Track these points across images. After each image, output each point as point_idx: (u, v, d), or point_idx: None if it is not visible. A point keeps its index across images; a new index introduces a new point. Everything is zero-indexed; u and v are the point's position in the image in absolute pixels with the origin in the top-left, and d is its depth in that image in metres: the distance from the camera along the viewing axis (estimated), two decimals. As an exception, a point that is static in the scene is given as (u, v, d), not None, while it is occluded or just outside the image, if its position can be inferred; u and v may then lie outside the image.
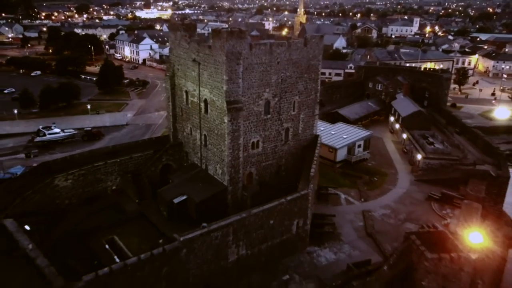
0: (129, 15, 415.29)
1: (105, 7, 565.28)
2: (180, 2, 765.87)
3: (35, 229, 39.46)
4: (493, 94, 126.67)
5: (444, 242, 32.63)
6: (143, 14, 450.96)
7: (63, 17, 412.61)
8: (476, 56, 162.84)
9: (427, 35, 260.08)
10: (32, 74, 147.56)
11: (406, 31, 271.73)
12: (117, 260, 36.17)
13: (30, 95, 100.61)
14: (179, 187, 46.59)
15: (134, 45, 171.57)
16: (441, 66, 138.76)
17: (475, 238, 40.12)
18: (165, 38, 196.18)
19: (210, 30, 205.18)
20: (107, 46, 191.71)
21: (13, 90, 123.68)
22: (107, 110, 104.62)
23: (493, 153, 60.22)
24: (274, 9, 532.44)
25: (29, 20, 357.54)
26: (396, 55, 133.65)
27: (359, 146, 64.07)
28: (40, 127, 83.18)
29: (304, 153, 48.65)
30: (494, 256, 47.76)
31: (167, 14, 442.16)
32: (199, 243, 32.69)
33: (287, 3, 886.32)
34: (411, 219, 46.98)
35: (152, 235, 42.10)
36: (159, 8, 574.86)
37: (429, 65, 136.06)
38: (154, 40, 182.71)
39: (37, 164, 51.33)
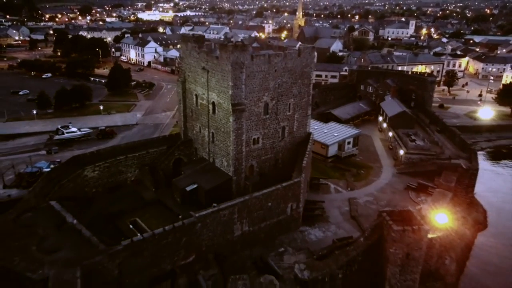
0: (132, 17, 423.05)
1: (107, 8, 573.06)
2: (181, 3, 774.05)
3: (71, 211, 47.09)
4: (480, 95, 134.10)
5: (409, 219, 40.08)
6: (145, 16, 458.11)
7: (66, 19, 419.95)
8: (466, 58, 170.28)
9: (422, 37, 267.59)
10: (44, 76, 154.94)
11: (402, 33, 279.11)
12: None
13: (47, 97, 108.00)
14: (190, 177, 54.14)
15: (140, 48, 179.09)
16: (432, 68, 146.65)
17: (441, 218, 47.74)
18: (169, 41, 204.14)
19: (212, 32, 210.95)
20: (113, 49, 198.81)
21: (28, 92, 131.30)
22: (118, 111, 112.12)
23: (467, 149, 67.77)
24: (274, 10, 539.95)
25: (34, 23, 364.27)
26: (389, 58, 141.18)
27: (349, 143, 71.64)
28: (59, 126, 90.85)
29: (298, 148, 56.17)
30: (462, 237, 55.78)
31: (168, 16, 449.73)
32: (211, 219, 40.31)
33: (287, 3, 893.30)
34: (390, 205, 54.40)
35: (168, 217, 49.53)
36: (160, 9, 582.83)
37: (420, 68, 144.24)
38: (158, 43, 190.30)
39: (67, 158, 58.68)
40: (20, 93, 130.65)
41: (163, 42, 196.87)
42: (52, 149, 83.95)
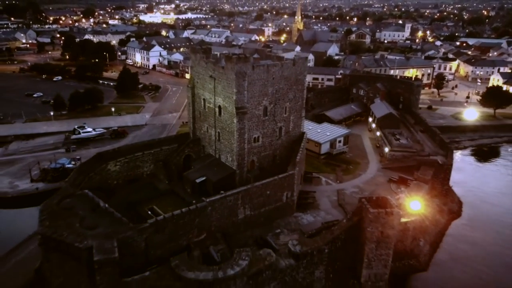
0: (134, 20, 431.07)
1: (109, 10, 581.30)
2: (181, 5, 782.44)
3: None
4: (467, 97, 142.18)
5: (384, 204, 48.16)
6: (147, 18, 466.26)
7: (70, 22, 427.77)
8: (457, 62, 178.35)
9: (417, 40, 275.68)
10: (54, 79, 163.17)
11: (398, 36, 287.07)
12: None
13: (62, 99, 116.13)
14: (199, 171, 62.28)
15: (145, 52, 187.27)
16: (423, 71, 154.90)
17: (414, 205, 55.96)
18: (172, 45, 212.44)
19: (213, 35, 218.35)
20: (119, 53, 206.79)
21: (41, 94, 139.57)
22: (127, 112, 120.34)
23: (444, 147, 75.88)
24: (274, 12, 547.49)
25: (39, 25, 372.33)
26: (382, 62, 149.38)
27: (340, 141, 79.82)
28: (76, 126, 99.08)
29: (293, 146, 64.26)
30: (437, 223, 64.04)
31: (170, 18, 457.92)
32: (219, 204, 48.46)
33: (287, 5, 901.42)
34: (372, 195, 62.39)
35: (181, 205, 57.20)
36: (162, 11, 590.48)
37: (412, 71, 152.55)
38: (162, 46, 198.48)
39: (93, 155, 66.85)
40: (34, 95, 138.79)
41: (167, 45, 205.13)
42: (70, 147, 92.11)
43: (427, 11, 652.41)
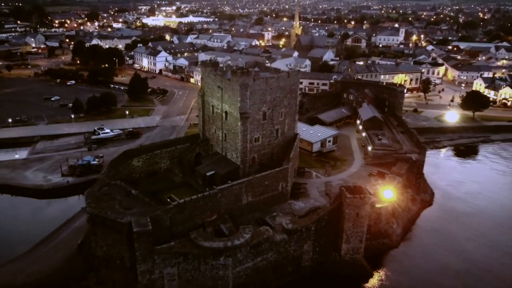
0: (138, 23, 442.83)
1: (112, 13, 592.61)
2: (182, 7, 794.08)
3: (126, 189, 66.97)
4: (451, 100, 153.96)
5: (359, 191, 59.92)
6: (149, 21, 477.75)
7: (75, 25, 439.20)
8: (444, 67, 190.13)
9: (410, 44, 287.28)
10: (68, 83, 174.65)
11: (393, 40, 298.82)
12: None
13: (80, 103, 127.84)
14: (209, 166, 74.01)
15: (152, 57, 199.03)
16: (411, 76, 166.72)
17: (387, 194, 67.69)
18: (177, 50, 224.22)
19: (215, 40, 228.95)
20: (126, 57, 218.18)
21: (58, 98, 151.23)
22: (139, 115, 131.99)
23: (419, 146, 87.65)
24: (274, 15, 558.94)
25: (45, 29, 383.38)
26: (373, 68, 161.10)
27: (329, 141, 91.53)
28: (96, 128, 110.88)
29: (288, 145, 75.89)
30: (409, 210, 75.91)
31: (172, 21, 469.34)
32: (227, 191, 60.25)
33: (286, 7, 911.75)
34: (351, 185, 74.07)
35: (193, 194, 68.97)
36: (164, 13, 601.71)
37: (401, 76, 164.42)
38: (168, 51, 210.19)
39: (120, 152, 78.67)
40: (52, 99, 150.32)
41: (172, 50, 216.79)
42: (91, 146, 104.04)
43: (424, 13, 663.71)
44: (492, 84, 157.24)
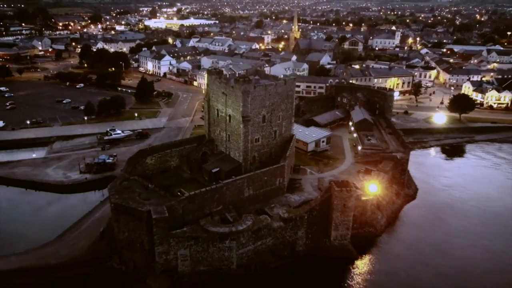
0: (140, 26, 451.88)
1: (114, 15, 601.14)
2: (183, 8, 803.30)
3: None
4: (441, 103, 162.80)
5: (346, 185, 68.82)
6: (151, 23, 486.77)
7: (79, 27, 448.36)
8: (435, 70, 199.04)
9: (406, 47, 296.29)
10: (77, 86, 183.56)
11: (389, 43, 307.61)
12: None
13: (92, 106, 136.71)
14: (214, 163, 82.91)
15: (156, 61, 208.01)
16: (403, 80, 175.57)
17: (372, 188, 76.57)
18: (180, 53, 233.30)
19: (217, 44, 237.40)
20: (132, 61, 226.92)
21: (70, 100, 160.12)
22: (147, 116, 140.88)
23: (404, 146, 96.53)
24: (273, 17, 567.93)
25: (50, 32, 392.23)
26: (367, 72, 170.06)
27: (323, 141, 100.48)
28: (108, 129, 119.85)
29: (285, 145, 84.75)
30: (393, 203, 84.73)
31: (174, 23, 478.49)
32: (231, 185, 69.21)
33: (286, 8, 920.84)
34: (339, 179, 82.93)
35: (201, 188, 78.20)
36: (165, 15, 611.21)
37: (393, 79, 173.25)
38: (171, 55, 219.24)
39: (136, 151, 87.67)
40: (64, 101, 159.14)
41: (175, 54, 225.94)
42: (105, 146, 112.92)
43: (422, 15, 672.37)
44: (479, 87, 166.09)
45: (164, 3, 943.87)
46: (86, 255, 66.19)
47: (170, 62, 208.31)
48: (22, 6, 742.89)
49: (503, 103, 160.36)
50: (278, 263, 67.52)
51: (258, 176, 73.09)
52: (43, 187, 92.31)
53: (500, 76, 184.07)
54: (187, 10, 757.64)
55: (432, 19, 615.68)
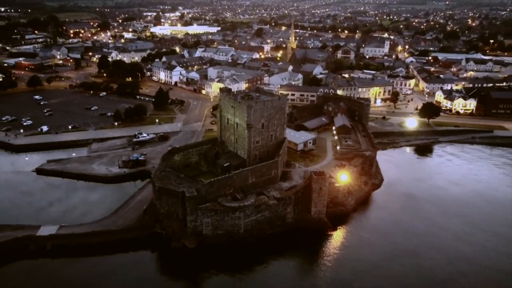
0: (147, 33, 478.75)
1: (120, 21, 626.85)
2: (185, 12, 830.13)
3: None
4: (416, 109, 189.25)
5: (322, 174, 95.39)
6: (157, 30, 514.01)
7: (89, 34, 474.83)
8: (414, 80, 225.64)
9: (394, 56, 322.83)
10: (100, 94, 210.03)
11: (378, 51, 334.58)
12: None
13: (119, 112, 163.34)
14: (225, 159, 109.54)
15: (168, 71, 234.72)
16: (384, 89, 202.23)
17: (343, 177, 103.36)
18: (188, 63, 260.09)
19: (221, 54, 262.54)
20: (145, 70, 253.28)
21: (97, 107, 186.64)
22: (165, 122, 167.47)
23: (373, 146, 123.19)
24: (273, 24, 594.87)
25: (63, 40, 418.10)
26: (352, 82, 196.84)
27: (310, 142, 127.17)
28: (136, 132, 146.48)
29: (279, 145, 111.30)
30: (362, 190, 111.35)
31: (179, 30, 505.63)
32: (239, 175, 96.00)
33: (286, 12, 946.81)
34: (317, 170, 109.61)
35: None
36: (169, 22, 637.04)
37: (376, 88, 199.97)
38: (181, 65, 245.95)
39: (167, 150, 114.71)
40: (92, 108, 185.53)
41: (184, 64, 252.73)
42: (134, 146, 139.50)
43: (416, 21, 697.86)
44: (449, 95, 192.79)
45: (166, 7, 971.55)
46: (136, 224, 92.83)
47: (180, 72, 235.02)
48: (29, 10, 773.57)
49: (468, 109, 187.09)
50: (273, 230, 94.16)
51: (258, 169, 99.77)
52: (92, 178, 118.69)
53: (471, 85, 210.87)
54: (190, 15, 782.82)
55: (425, 24, 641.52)
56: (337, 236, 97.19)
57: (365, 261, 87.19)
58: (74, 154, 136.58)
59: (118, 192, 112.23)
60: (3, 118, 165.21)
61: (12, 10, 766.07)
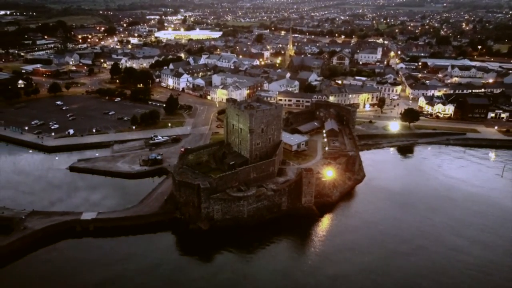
0: (152, 38, 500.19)
1: (124, 25, 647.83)
2: (187, 15, 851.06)
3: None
4: (400, 114, 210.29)
5: (310, 170, 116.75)
6: (161, 34, 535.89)
7: (96, 39, 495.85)
8: (400, 86, 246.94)
9: (385, 62, 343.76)
10: (115, 100, 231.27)
11: (371, 58, 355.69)
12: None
13: (136, 117, 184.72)
14: (231, 159, 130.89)
15: (176, 78, 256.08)
16: (373, 95, 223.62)
17: (329, 173, 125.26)
18: (194, 70, 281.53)
19: (223, 61, 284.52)
20: (154, 77, 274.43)
21: (114, 112, 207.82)
22: (176, 125, 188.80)
23: (356, 147, 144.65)
24: (273, 28, 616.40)
25: (73, 45, 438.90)
26: (343, 89, 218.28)
27: (303, 144, 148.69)
28: (152, 135, 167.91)
29: (276, 147, 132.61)
30: (345, 184, 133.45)
31: (182, 35, 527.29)
32: (243, 171, 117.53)
33: (285, 14, 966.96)
34: (307, 167, 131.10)
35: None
36: (172, 26, 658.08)
37: (365, 95, 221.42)
38: (187, 72, 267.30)
39: (182, 151, 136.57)
40: (110, 113, 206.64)
41: (190, 71, 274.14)
42: (151, 148, 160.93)
43: (412, 24, 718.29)
44: (430, 101, 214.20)
45: (168, 10, 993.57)
46: (159, 210, 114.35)
47: (187, 79, 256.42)
48: (35, 14, 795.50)
49: (447, 114, 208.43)
50: (271, 216, 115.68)
51: (259, 166, 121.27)
52: (118, 175, 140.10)
53: (452, 91, 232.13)
54: (192, 19, 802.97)
55: (420, 28, 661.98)
56: (324, 221, 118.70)
57: (347, 240, 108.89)
58: (97, 154, 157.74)
59: (140, 186, 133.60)
60: (33, 122, 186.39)
61: (18, 14, 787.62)
